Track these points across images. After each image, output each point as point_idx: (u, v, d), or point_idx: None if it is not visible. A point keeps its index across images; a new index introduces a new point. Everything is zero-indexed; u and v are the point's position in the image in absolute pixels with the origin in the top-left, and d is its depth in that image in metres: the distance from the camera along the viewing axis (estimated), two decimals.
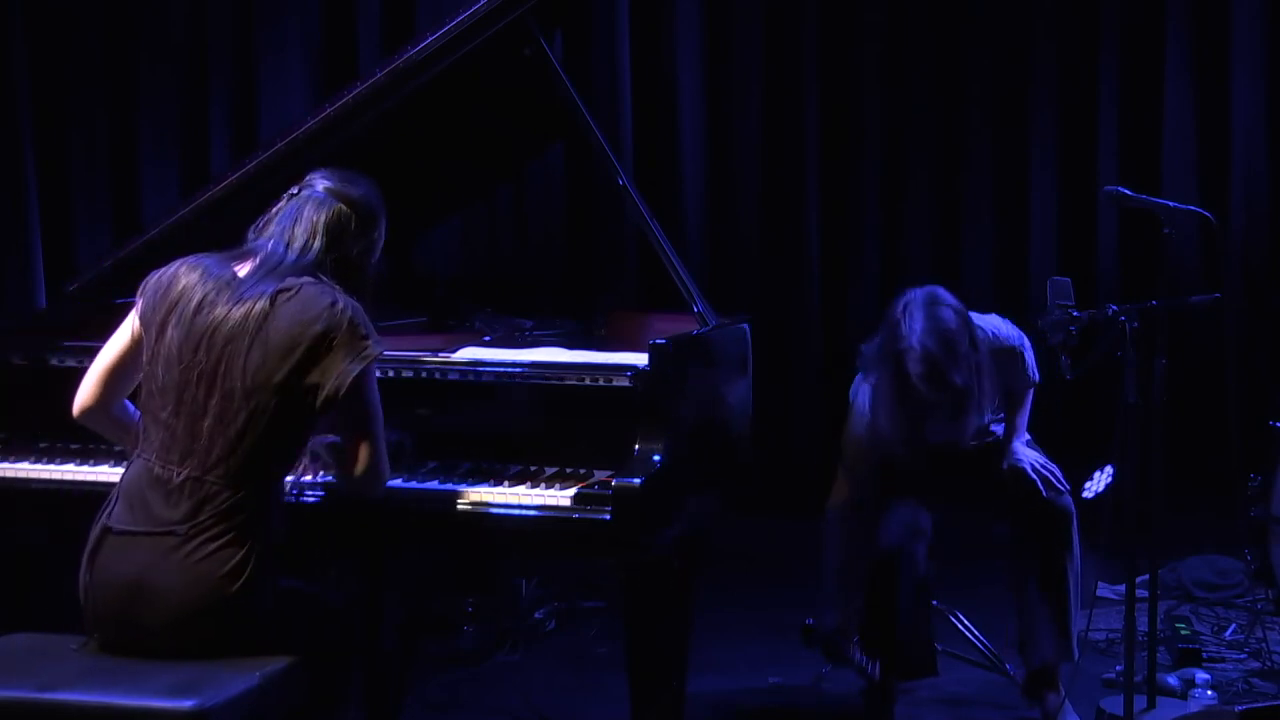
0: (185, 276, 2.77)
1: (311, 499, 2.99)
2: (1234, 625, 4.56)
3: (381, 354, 2.76)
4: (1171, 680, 3.97)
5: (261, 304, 2.70)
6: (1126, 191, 3.68)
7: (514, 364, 3.11)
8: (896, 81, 6.28)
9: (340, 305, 2.71)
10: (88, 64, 5.61)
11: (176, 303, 2.74)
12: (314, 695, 2.81)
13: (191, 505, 2.68)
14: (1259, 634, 4.39)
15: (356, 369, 2.69)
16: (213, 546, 2.67)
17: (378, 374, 3.00)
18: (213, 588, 2.67)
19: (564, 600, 4.82)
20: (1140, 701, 3.62)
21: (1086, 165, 6.35)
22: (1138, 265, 6.23)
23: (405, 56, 3.29)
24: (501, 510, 2.93)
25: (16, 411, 3.25)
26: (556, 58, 3.38)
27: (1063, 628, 3.66)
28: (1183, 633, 4.36)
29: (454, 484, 2.99)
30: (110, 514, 2.75)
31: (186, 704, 2.53)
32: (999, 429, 3.88)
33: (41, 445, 3.21)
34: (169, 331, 2.73)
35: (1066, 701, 3.71)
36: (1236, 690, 4.02)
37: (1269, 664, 4.20)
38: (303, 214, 2.81)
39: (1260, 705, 3.51)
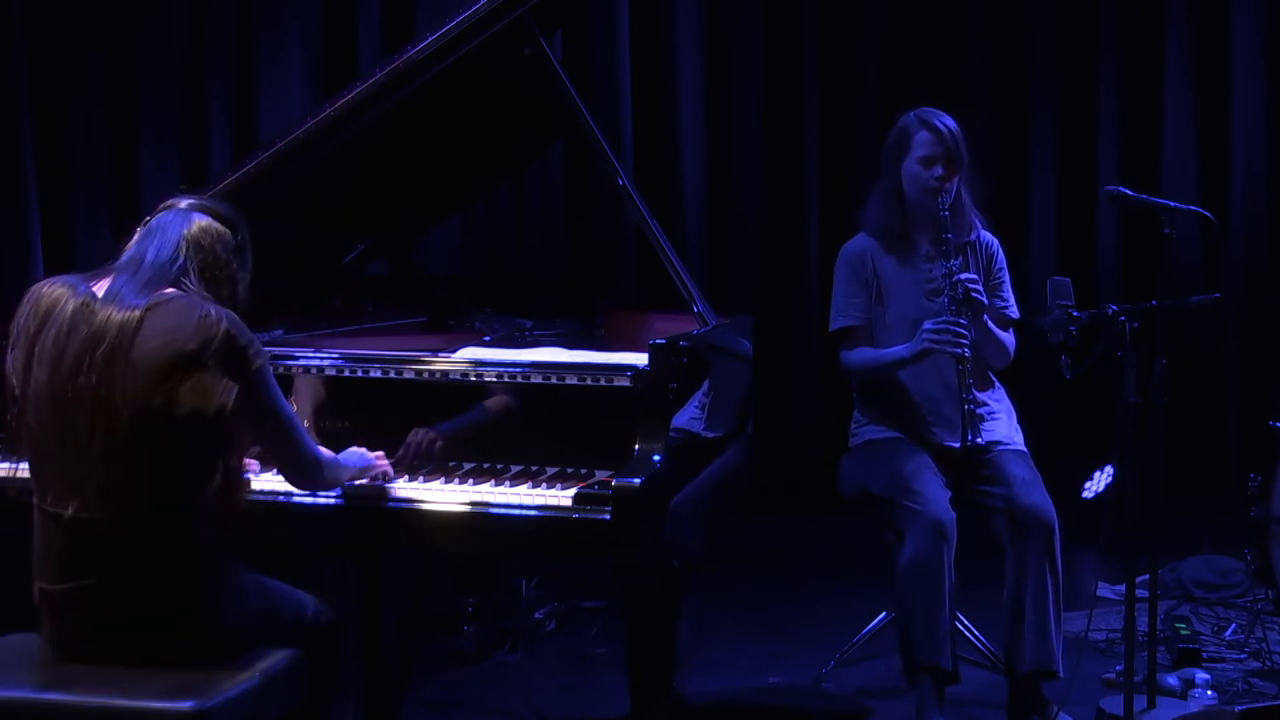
0: (48, 296, 2.67)
1: (309, 500, 2.99)
2: (1234, 625, 4.56)
3: (266, 361, 2.68)
4: (1171, 680, 3.96)
5: (128, 316, 2.59)
6: (1126, 191, 3.68)
7: (514, 364, 3.11)
8: (896, 81, 6.28)
9: (213, 316, 2.61)
10: (88, 63, 5.60)
11: (39, 330, 2.64)
12: (312, 694, 2.81)
13: (97, 551, 2.61)
14: (1259, 634, 4.39)
15: (235, 387, 2.60)
16: (143, 593, 2.63)
17: (378, 373, 3.01)
18: (166, 631, 2.65)
19: (564, 600, 4.82)
20: (1140, 701, 3.61)
21: (1086, 165, 6.36)
22: (1138, 265, 6.24)
23: (405, 56, 3.29)
24: (501, 510, 2.93)
25: None
26: (556, 58, 3.38)
27: (1044, 636, 3.62)
28: (1183, 633, 4.36)
29: (454, 484, 2.99)
30: (40, 573, 2.69)
31: (186, 704, 2.53)
32: (993, 420, 3.88)
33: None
34: (34, 367, 2.64)
35: (1062, 714, 3.69)
36: (1236, 690, 4.02)
37: (1269, 664, 4.20)
38: (164, 227, 2.74)
39: (1260, 705, 3.51)
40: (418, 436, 3.12)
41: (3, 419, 2.76)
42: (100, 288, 2.68)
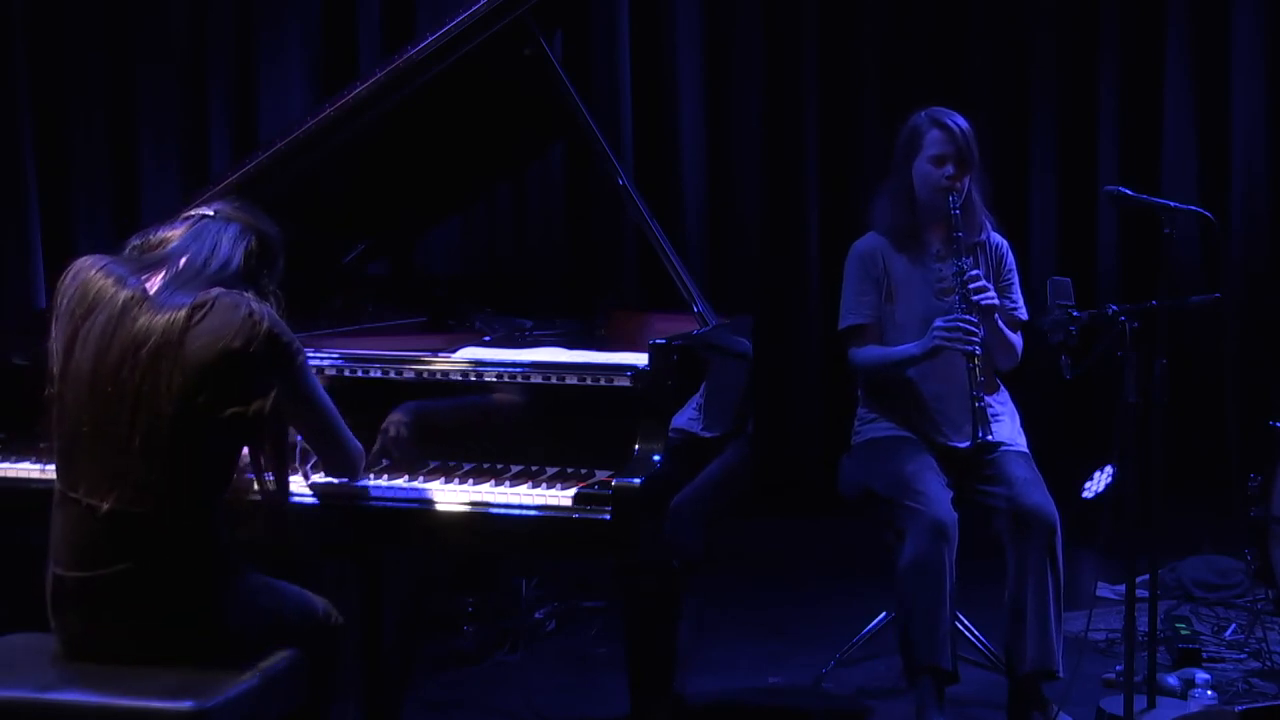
0: (95, 282, 2.66)
1: (309, 500, 2.99)
2: (1234, 625, 4.56)
3: (305, 356, 2.73)
4: (1171, 680, 3.97)
5: (178, 316, 2.60)
6: (1126, 191, 3.69)
7: (514, 364, 3.11)
8: (896, 80, 6.28)
9: (256, 313, 2.63)
10: (88, 63, 5.61)
11: (86, 316, 2.64)
12: (312, 694, 2.81)
13: (127, 543, 2.62)
14: (1259, 634, 4.39)
15: (275, 385, 2.65)
16: (163, 588, 2.64)
17: (378, 373, 3.00)
18: (179, 627, 2.66)
19: (564, 600, 4.82)
20: (1140, 701, 3.62)
21: (1086, 165, 6.36)
22: (1138, 265, 6.24)
23: (405, 56, 3.29)
24: (501, 510, 2.93)
25: (16, 411, 3.25)
26: (556, 58, 3.38)
27: (1044, 636, 3.62)
28: (1183, 633, 4.36)
29: (454, 484, 2.99)
30: (57, 559, 2.69)
31: (186, 704, 2.53)
32: (996, 414, 3.87)
33: (41, 445, 3.20)
34: (76, 351, 2.64)
35: (1062, 714, 3.69)
36: (1236, 690, 4.02)
37: (1269, 664, 4.20)
38: (221, 240, 2.73)
39: (1260, 705, 3.51)
40: (392, 433, 3.12)
41: (38, 398, 2.76)
42: (152, 284, 2.67)
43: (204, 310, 2.62)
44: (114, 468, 2.62)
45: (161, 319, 2.61)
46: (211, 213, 2.78)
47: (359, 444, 2.92)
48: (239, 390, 2.62)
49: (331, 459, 2.90)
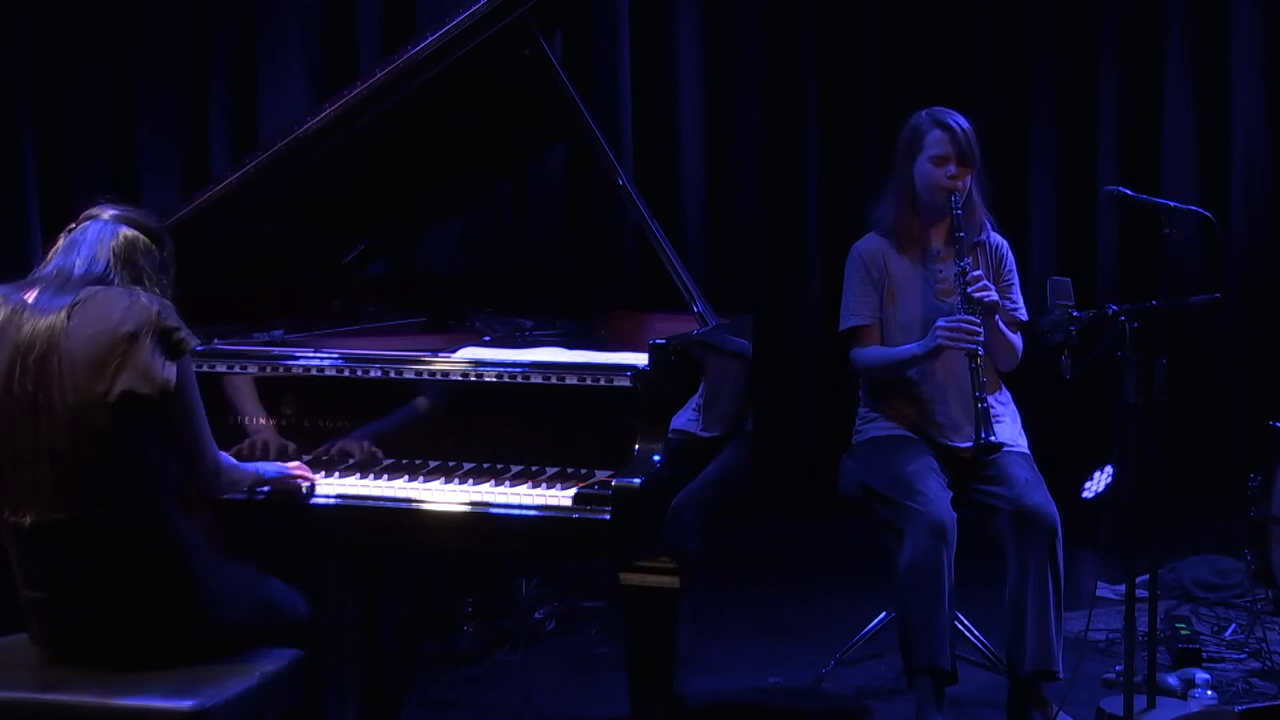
0: None
1: (310, 500, 2.99)
2: (1234, 625, 4.56)
3: (196, 347, 2.69)
4: (1171, 680, 3.97)
5: (54, 319, 2.59)
6: (1127, 191, 3.69)
7: (514, 364, 3.11)
8: (896, 81, 6.28)
9: (144, 300, 2.63)
10: (88, 64, 5.61)
11: None
12: (311, 693, 2.82)
13: (62, 554, 2.61)
14: (1259, 634, 4.39)
15: (174, 371, 2.60)
16: (119, 591, 2.63)
17: (378, 373, 2.99)
18: (148, 621, 2.66)
19: (564, 600, 4.82)
20: (1140, 701, 3.62)
21: (1086, 165, 6.36)
22: (1138, 265, 6.23)
23: (405, 56, 3.29)
24: (501, 510, 2.93)
25: None
26: (556, 57, 3.38)
27: (1044, 636, 3.62)
28: (1183, 633, 4.36)
29: (454, 484, 2.99)
30: (19, 579, 2.68)
31: (186, 704, 2.54)
32: (998, 416, 3.87)
33: None
34: None
35: (1062, 714, 3.69)
36: (1236, 690, 4.02)
37: (1269, 664, 4.20)
38: (86, 238, 2.72)
39: (1260, 705, 3.51)
40: (391, 434, 3.12)
41: None
42: (30, 296, 2.66)
43: (84, 302, 2.61)
44: (25, 482, 2.59)
45: (44, 323, 2.60)
46: (83, 218, 2.77)
47: (225, 458, 2.85)
48: (137, 374, 2.58)
49: (191, 464, 2.78)
